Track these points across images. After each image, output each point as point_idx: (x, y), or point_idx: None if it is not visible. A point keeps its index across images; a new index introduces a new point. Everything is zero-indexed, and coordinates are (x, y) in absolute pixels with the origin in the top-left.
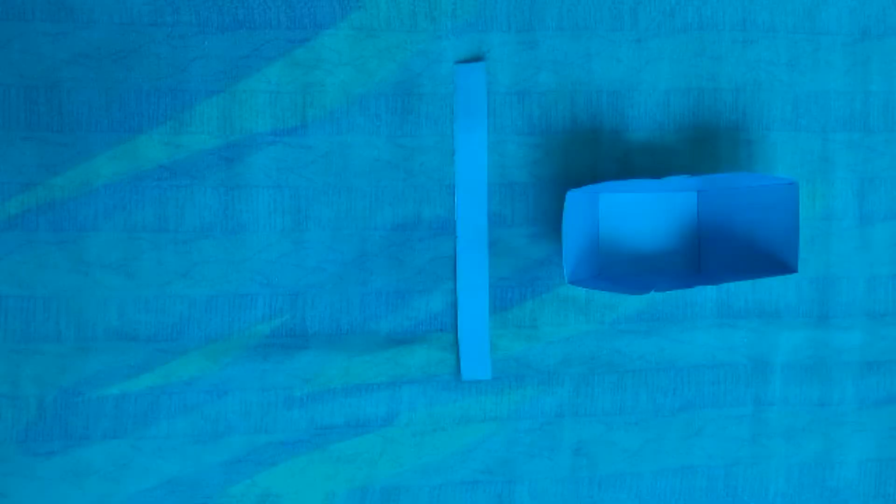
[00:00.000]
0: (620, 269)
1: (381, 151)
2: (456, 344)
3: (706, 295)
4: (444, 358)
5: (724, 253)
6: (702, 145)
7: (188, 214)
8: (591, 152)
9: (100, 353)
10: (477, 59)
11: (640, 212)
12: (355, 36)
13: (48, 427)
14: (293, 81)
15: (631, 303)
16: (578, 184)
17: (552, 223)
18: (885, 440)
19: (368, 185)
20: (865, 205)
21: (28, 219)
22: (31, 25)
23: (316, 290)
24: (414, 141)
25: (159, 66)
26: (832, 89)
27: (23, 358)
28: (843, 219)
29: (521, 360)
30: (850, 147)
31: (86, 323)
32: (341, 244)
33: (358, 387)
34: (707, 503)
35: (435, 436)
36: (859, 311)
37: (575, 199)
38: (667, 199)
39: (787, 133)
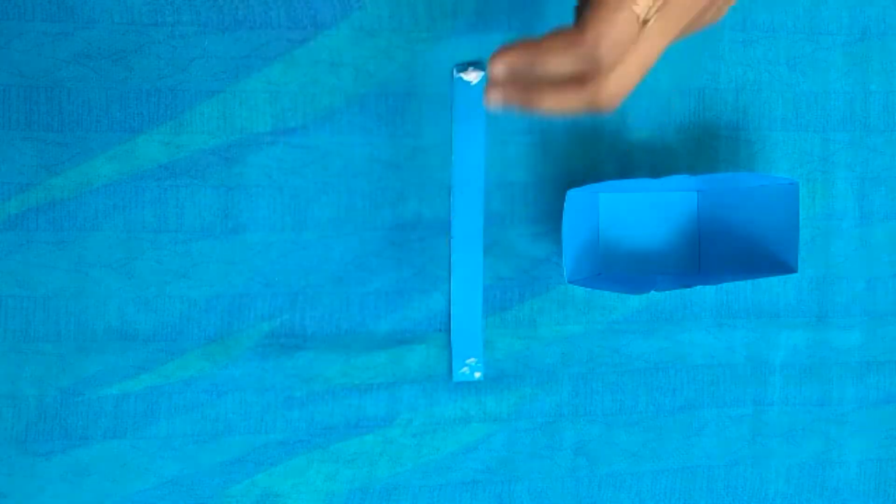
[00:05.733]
0: (620, 269)
1: (381, 151)
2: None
3: (706, 295)
4: (443, 358)
5: (724, 253)
6: (702, 145)
7: (188, 214)
8: (591, 152)
9: (100, 353)
10: (477, 61)
11: (640, 212)
12: (355, 36)
13: (48, 427)
14: (293, 81)
15: (631, 303)
16: (578, 184)
17: (552, 223)
18: (885, 440)
19: (368, 185)
20: (865, 205)
21: (28, 219)
22: (31, 25)
23: (315, 290)
24: (414, 141)
25: (159, 66)
26: (832, 89)
27: (23, 358)
28: (843, 219)
29: (521, 360)
30: (850, 147)
31: (86, 323)
32: (341, 244)
33: (357, 387)
34: (707, 503)
35: (435, 436)
36: (859, 311)
37: (575, 199)
38: (667, 199)
39: (787, 133)
